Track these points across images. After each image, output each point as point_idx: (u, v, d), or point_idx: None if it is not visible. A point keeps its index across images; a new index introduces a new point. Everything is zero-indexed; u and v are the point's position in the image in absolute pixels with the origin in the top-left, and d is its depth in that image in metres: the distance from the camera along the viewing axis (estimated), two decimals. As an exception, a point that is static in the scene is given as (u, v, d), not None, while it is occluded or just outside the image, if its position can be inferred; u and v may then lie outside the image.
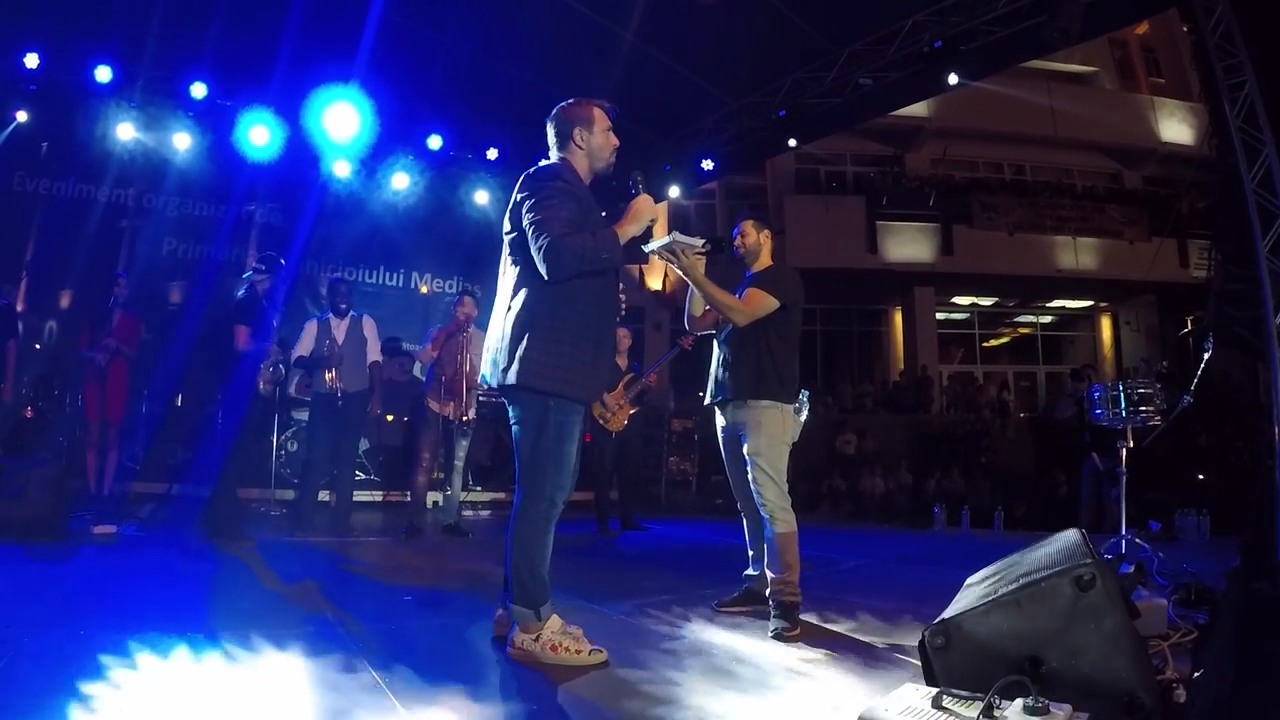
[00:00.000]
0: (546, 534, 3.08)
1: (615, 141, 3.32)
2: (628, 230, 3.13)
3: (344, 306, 7.01)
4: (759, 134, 9.99)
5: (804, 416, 4.20)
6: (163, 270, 11.02)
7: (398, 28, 7.98)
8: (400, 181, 10.90)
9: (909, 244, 17.82)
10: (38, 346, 9.56)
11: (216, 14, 8.29)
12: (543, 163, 3.27)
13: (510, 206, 3.17)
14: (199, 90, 9.35)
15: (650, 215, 3.21)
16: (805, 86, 9.34)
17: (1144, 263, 14.84)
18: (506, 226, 3.17)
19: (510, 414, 3.17)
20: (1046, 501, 10.88)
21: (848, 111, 9.73)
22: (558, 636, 2.97)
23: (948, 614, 2.36)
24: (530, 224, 3.01)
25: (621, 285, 3.30)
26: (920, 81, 8.99)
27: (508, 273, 3.21)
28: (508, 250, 3.20)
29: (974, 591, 2.58)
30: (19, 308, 6.98)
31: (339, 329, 6.91)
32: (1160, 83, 19.95)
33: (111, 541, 5.55)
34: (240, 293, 6.39)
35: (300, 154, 9.70)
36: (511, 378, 3.03)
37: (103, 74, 9.02)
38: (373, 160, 10.53)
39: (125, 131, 9.69)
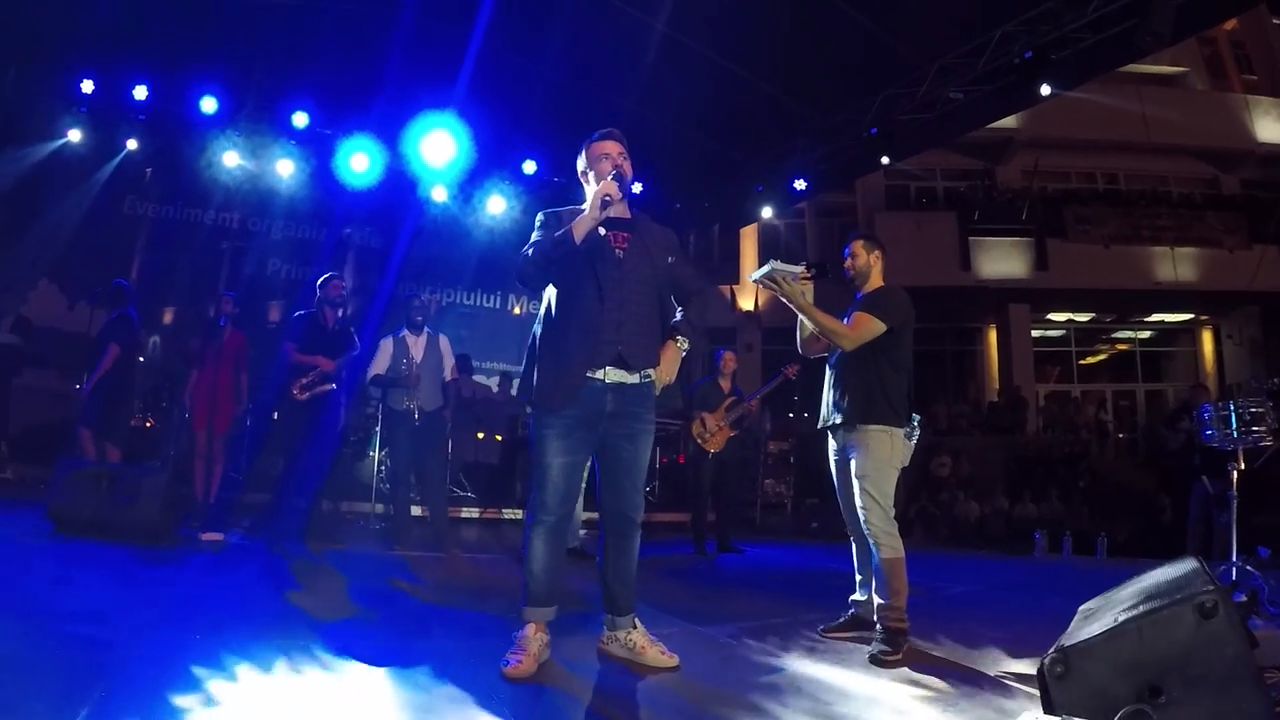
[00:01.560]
0: (536, 542, 3.20)
1: (609, 166, 3.30)
2: (583, 217, 3.15)
3: (420, 320, 7.00)
4: (850, 152, 9.88)
5: (914, 440, 4.06)
6: (264, 289, 11.46)
7: (496, 56, 8.14)
8: (496, 205, 11.11)
9: (1002, 259, 17.39)
10: (141, 360, 10.01)
11: (321, 46, 8.66)
12: None
13: None
14: (300, 119, 9.79)
15: (600, 195, 3.10)
16: (896, 102, 9.21)
17: (1246, 272, 14.21)
18: None
19: None
20: (1150, 526, 10.45)
21: (940, 127, 9.52)
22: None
23: (1067, 641, 2.30)
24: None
25: (605, 284, 3.19)
26: (1012, 93, 8.77)
27: None
28: None
29: (1091, 619, 2.53)
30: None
31: (416, 346, 6.88)
32: (1253, 79, 19.15)
33: (219, 549, 5.72)
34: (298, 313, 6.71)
35: (398, 179, 10.03)
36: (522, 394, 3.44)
37: (208, 104, 9.54)
38: (469, 184, 10.77)
39: (230, 159, 10.18)
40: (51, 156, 9.98)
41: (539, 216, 3.40)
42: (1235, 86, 19.16)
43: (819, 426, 4.24)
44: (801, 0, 7.81)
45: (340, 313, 6.76)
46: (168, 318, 11.19)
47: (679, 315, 3.45)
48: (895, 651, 3.56)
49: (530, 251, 3.22)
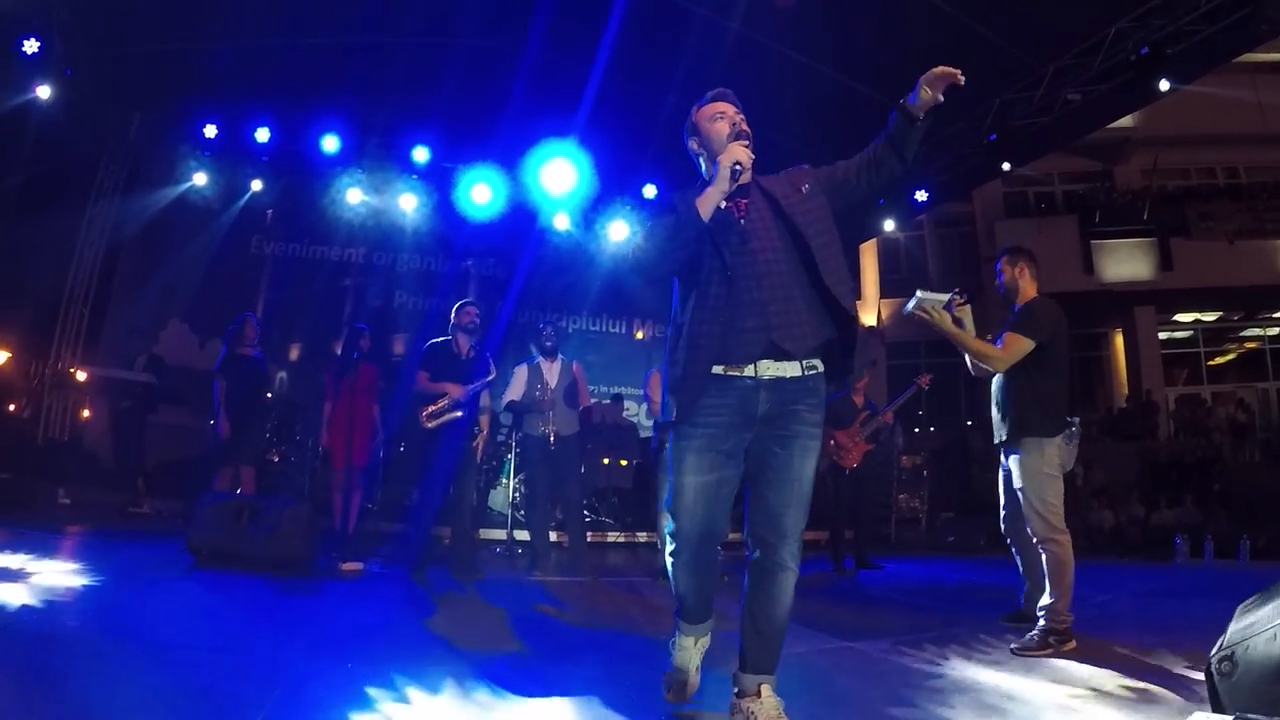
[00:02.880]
0: (678, 571, 2.69)
1: (727, 126, 2.71)
2: (709, 191, 2.56)
3: (550, 345, 7.05)
4: (970, 160, 9.82)
5: (1074, 444, 4.15)
6: (390, 322, 11.79)
7: (616, 84, 8.32)
8: (619, 231, 11.17)
9: (1126, 261, 16.87)
10: (269, 395, 10.39)
11: (442, 82, 8.98)
12: None
13: None
14: (421, 154, 10.13)
15: (726, 165, 2.53)
16: (1013, 107, 9.13)
17: (1376, 256, 13.35)
18: None
19: None
20: None
21: (1059, 129, 9.43)
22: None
23: (1231, 640, 2.24)
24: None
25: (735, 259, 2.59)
26: (1130, 91, 8.69)
27: None
28: None
29: (1254, 615, 2.42)
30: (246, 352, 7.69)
31: (550, 372, 6.93)
32: None
33: (359, 578, 5.75)
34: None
35: (520, 208, 10.27)
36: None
37: (330, 144, 9.92)
38: (591, 211, 10.91)
39: (353, 195, 10.61)
40: (178, 200, 10.47)
41: (650, 207, 2.96)
42: (1354, 66, 18.18)
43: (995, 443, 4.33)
44: (914, 9, 7.78)
45: (474, 340, 6.71)
46: (294, 354, 11.56)
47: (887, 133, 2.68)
48: (1043, 648, 3.75)
49: (644, 238, 2.65)
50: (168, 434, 9.69)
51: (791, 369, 2.53)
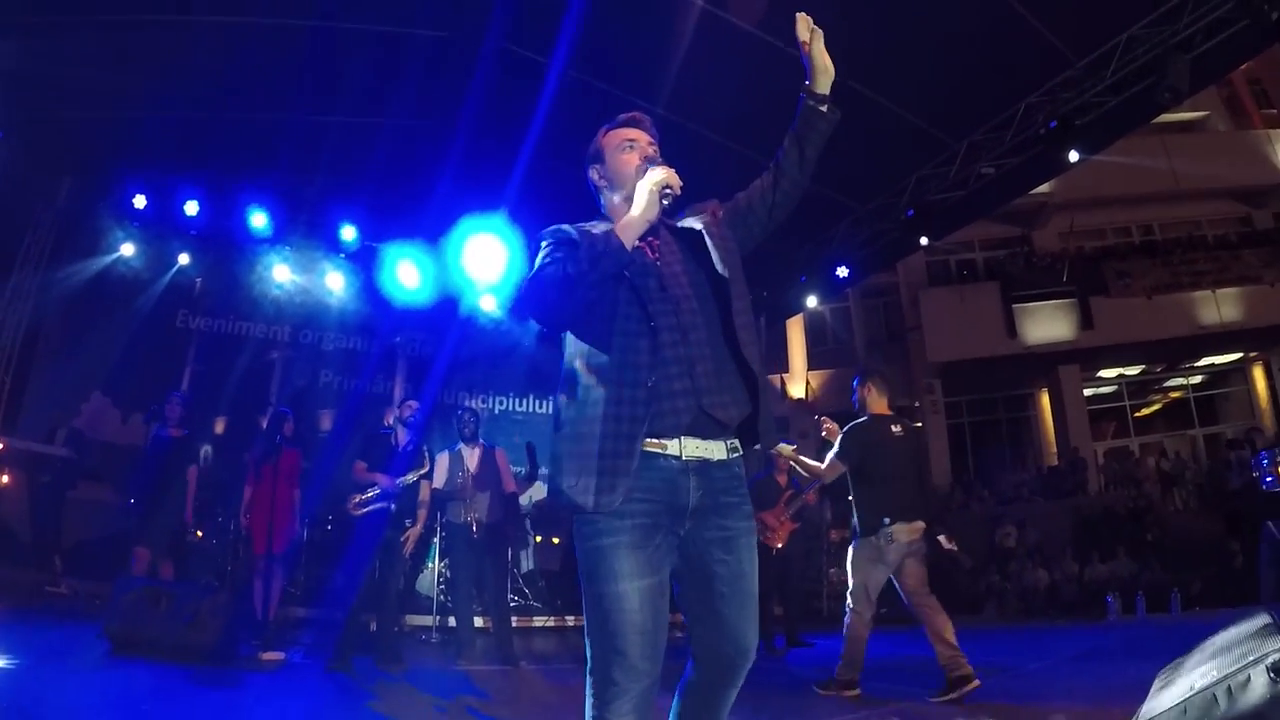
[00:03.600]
0: None
1: (637, 158, 2.34)
2: (631, 217, 2.16)
3: (469, 432, 7.11)
4: (890, 235, 9.98)
5: (892, 542, 4.88)
6: (315, 399, 11.60)
7: (545, 168, 8.34)
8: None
9: (1047, 323, 17.39)
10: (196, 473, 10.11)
11: (371, 161, 8.97)
12: None
13: None
14: (349, 233, 10.04)
15: (655, 185, 2.16)
16: (930, 183, 9.37)
17: (1290, 304, 14.00)
18: None
19: None
20: (1224, 574, 10.18)
21: (974, 203, 9.68)
22: None
23: (1144, 716, 2.22)
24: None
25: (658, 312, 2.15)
26: (1041, 163, 9.01)
27: None
28: None
29: (1166, 688, 2.44)
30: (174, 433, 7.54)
31: (471, 459, 6.97)
32: (1273, 114, 19.41)
33: (279, 668, 5.70)
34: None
35: (447, 289, 10.18)
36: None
37: (258, 220, 9.76)
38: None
39: (281, 273, 10.43)
40: (105, 270, 10.21)
41: (545, 240, 2.27)
42: (1256, 122, 19.43)
43: None
44: (834, 94, 7.94)
45: (411, 433, 6.80)
46: (219, 427, 11.27)
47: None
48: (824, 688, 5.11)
49: (546, 271, 2.12)
50: (87, 511, 9.44)
51: (717, 451, 2.09)
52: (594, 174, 2.44)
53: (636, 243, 2.15)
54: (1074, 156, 8.63)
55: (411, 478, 6.51)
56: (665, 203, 2.19)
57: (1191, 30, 7.30)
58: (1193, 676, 2.34)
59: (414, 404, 6.90)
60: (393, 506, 6.44)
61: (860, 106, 8.08)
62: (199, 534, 8.94)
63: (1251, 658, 2.13)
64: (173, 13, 7.08)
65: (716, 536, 2.07)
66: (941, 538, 5.14)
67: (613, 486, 1.98)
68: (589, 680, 1.98)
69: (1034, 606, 11.33)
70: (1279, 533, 7.44)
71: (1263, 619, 2.55)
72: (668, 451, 2.04)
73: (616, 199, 2.37)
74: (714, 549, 2.07)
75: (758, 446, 2.21)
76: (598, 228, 2.25)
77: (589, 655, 2.00)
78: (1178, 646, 2.78)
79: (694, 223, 2.33)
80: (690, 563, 2.08)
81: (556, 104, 7.56)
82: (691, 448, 2.06)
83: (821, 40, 2.27)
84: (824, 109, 2.30)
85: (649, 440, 2.03)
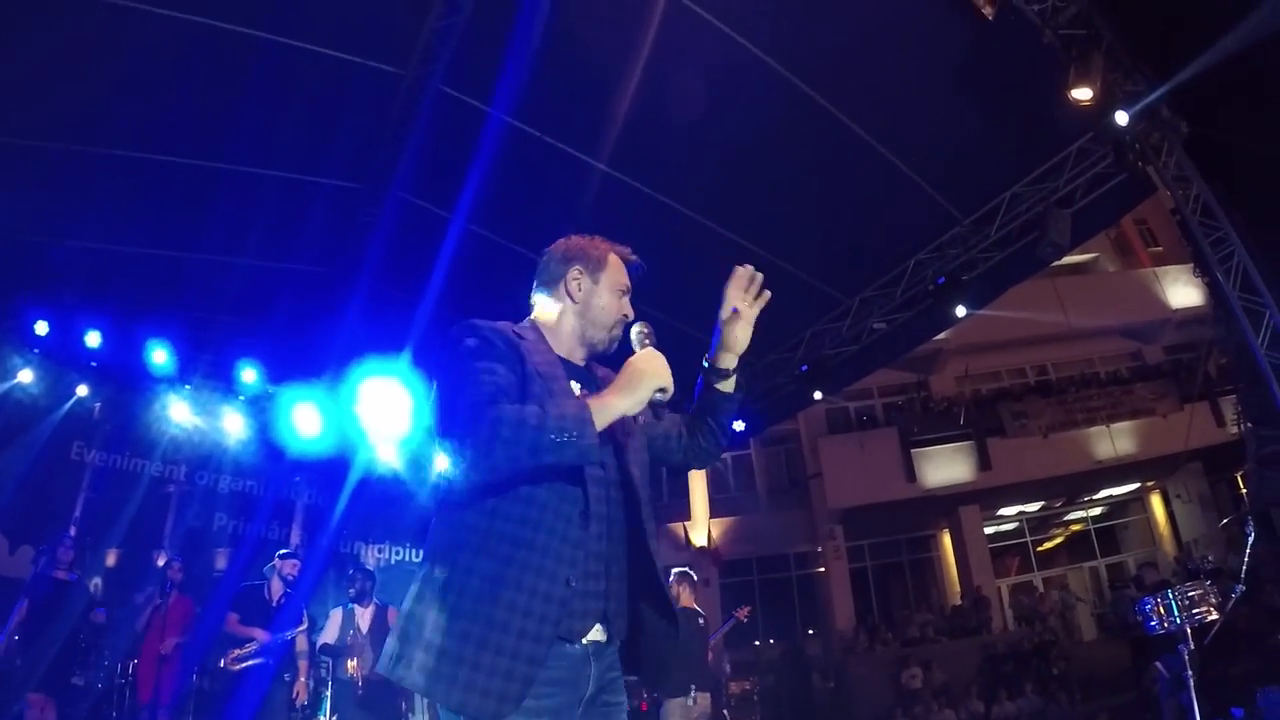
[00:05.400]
0: None
1: (628, 312, 2.24)
2: (614, 402, 1.95)
3: (354, 592, 7.22)
4: (785, 389, 10.18)
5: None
6: (210, 539, 11.20)
7: (449, 321, 8.47)
8: (444, 463, 10.89)
9: (946, 466, 17.82)
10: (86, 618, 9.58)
11: (273, 304, 9.00)
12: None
13: None
14: (249, 375, 9.89)
15: (655, 380, 2.01)
16: (823, 338, 9.64)
17: (1181, 433, 14.70)
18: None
19: None
20: (1136, 701, 10.25)
21: (866, 356, 9.94)
22: None
23: None
24: (435, 408, 2.04)
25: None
26: (930, 317, 9.26)
27: None
28: None
29: None
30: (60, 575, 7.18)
31: (363, 617, 7.08)
32: (1159, 251, 20.61)
33: None
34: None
35: (345, 437, 10.00)
36: (401, 670, 1.90)
37: (159, 356, 9.50)
38: (417, 442, 10.49)
39: (179, 412, 10.12)
40: (2, 396, 9.74)
41: (468, 338, 2.04)
42: (1144, 261, 20.67)
43: None
44: (726, 248, 8.25)
45: (288, 588, 6.84)
46: (111, 559, 10.76)
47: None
48: None
49: (518, 428, 1.83)
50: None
51: (602, 635, 1.98)
52: (573, 273, 2.20)
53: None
54: (961, 311, 8.84)
55: (291, 635, 6.56)
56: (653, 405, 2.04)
57: (1071, 187, 7.70)
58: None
59: (295, 562, 6.93)
60: (271, 662, 6.43)
61: (757, 265, 8.39)
62: (82, 682, 8.49)
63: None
64: (83, 143, 7.10)
65: (604, 713, 1.99)
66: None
67: (529, 681, 1.80)
68: None
69: (941, 753, 11.24)
70: (1168, 672, 7.68)
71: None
72: (573, 642, 1.92)
73: (576, 322, 2.20)
74: None
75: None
76: (527, 337, 2.09)
77: None
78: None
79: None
80: None
81: (456, 259, 7.71)
82: (593, 633, 1.96)
83: (754, 317, 2.20)
84: (730, 390, 2.27)
85: (568, 633, 1.90)
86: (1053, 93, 6.57)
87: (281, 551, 7.11)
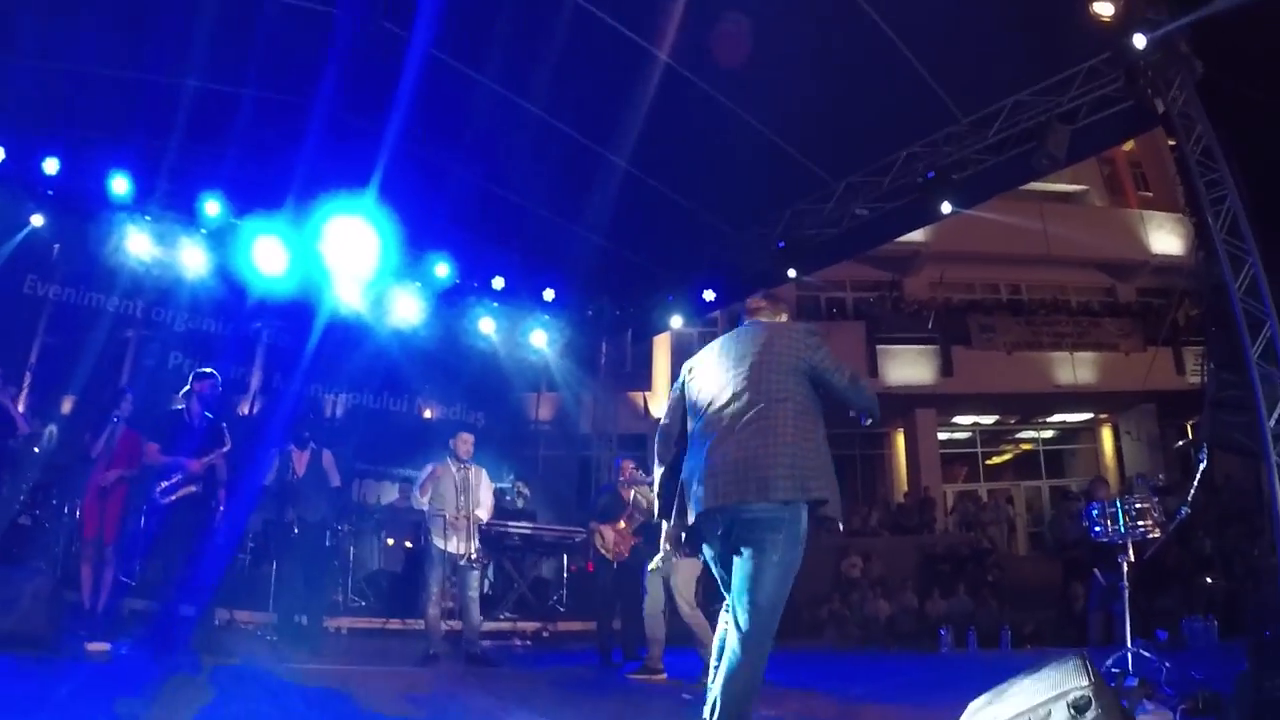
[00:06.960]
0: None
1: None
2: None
3: (305, 436, 7.49)
4: (760, 264, 10.06)
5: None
6: (168, 383, 10.88)
7: (410, 153, 8.24)
8: (407, 308, 10.90)
9: (909, 366, 17.99)
10: (36, 450, 9.36)
11: (235, 133, 8.54)
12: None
13: (773, 334, 3.41)
14: (212, 208, 9.49)
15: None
16: (804, 218, 9.54)
17: (1140, 373, 14.91)
18: (759, 351, 3.31)
19: (754, 536, 3.07)
20: (1059, 618, 10.66)
21: (846, 242, 9.93)
22: None
23: None
24: (832, 361, 3.37)
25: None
26: (915, 210, 9.23)
27: (741, 396, 3.24)
28: (747, 373, 3.27)
29: (975, 717, 2.53)
30: (20, 408, 7.00)
31: (300, 461, 7.36)
32: (1149, 196, 20.63)
33: (104, 659, 5.47)
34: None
35: (309, 277, 9.80)
36: (789, 492, 3.05)
37: (119, 185, 9.08)
38: (381, 286, 10.61)
39: (138, 244, 9.70)
40: None
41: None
42: (1132, 203, 20.67)
43: None
44: (714, 117, 8.09)
45: (207, 411, 6.63)
46: (66, 406, 10.34)
47: None
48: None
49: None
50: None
51: None
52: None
53: None
54: (947, 208, 8.80)
55: (213, 458, 6.43)
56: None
57: (1076, 104, 7.56)
58: (1000, 708, 2.43)
59: (211, 380, 6.71)
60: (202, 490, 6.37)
61: (746, 135, 8.22)
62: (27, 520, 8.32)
63: (1055, 694, 2.22)
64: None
65: None
66: None
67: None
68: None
69: (873, 635, 11.62)
70: (1104, 580, 7.94)
71: (1074, 660, 2.68)
72: None
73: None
74: None
75: None
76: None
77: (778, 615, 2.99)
78: (1002, 677, 2.89)
79: None
80: None
81: (419, 89, 7.43)
82: None
83: None
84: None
85: None
86: (1074, 6, 6.48)
87: (197, 370, 6.87)
